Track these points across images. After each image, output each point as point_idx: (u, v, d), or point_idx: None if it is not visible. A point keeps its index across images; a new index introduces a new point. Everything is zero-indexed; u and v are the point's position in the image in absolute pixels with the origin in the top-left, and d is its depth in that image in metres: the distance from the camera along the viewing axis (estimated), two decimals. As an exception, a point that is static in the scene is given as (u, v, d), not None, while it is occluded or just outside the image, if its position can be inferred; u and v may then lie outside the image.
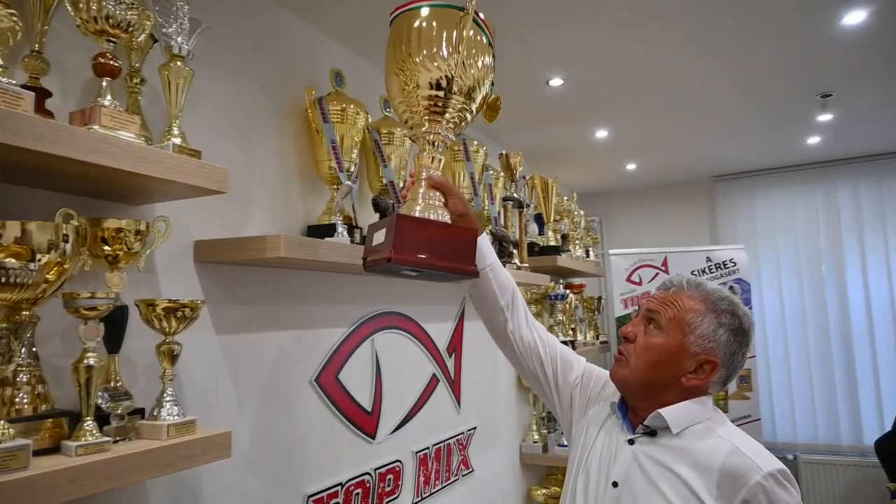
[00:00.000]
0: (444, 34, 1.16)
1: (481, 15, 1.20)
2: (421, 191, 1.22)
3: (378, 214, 1.79)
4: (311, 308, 1.73)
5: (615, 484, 1.22)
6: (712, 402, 1.26)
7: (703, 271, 4.03)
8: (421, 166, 1.23)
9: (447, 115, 1.21)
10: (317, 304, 1.75)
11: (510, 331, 1.44)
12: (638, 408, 1.25)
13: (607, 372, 1.39)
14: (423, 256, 1.12)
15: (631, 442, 1.23)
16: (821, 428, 4.35)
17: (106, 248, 1.11)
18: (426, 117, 1.21)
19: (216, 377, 1.41)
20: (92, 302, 0.93)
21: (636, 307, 3.95)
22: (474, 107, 1.24)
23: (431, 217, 1.19)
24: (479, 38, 1.20)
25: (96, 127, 0.94)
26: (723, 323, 1.20)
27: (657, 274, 4.02)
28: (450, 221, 1.22)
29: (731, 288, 4.04)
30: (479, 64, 1.21)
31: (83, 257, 1.03)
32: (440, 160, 1.25)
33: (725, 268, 4.04)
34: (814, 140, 3.75)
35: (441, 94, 1.17)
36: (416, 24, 1.17)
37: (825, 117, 3.18)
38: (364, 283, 1.94)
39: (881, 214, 4.28)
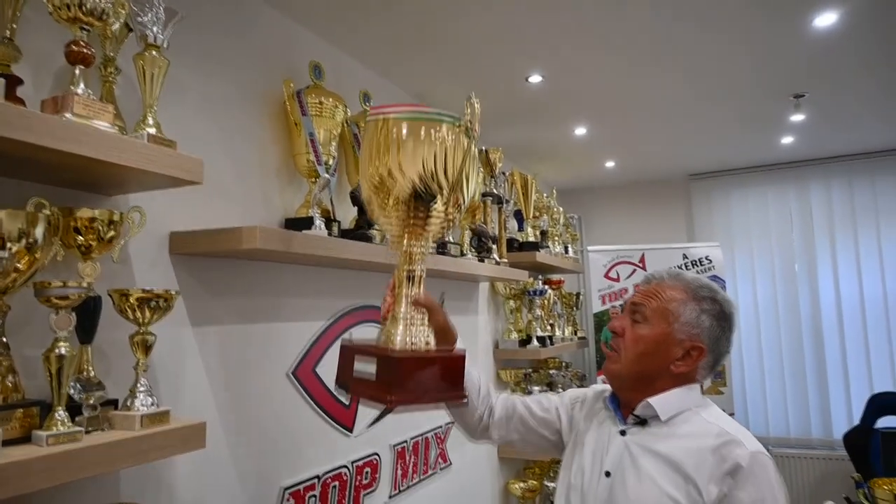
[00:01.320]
0: (434, 146, 1.05)
1: (477, 127, 1.15)
2: (402, 310, 1.12)
3: (356, 208, 1.80)
4: (289, 301, 1.72)
5: (608, 473, 1.25)
6: (700, 389, 1.31)
7: (680, 268, 4.09)
8: (400, 283, 1.13)
9: (430, 228, 1.11)
10: (294, 297, 1.74)
11: (491, 433, 1.48)
12: (630, 400, 1.29)
13: (584, 390, 1.49)
14: (422, 394, 1.07)
15: (623, 433, 1.27)
16: (792, 422, 4.44)
17: (79, 238, 1.09)
18: (406, 230, 1.11)
19: (191, 369, 1.41)
20: (63, 291, 0.92)
21: (618, 302, 4.00)
22: (459, 215, 1.16)
23: (418, 342, 1.11)
24: (470, 148, 1.12)
25: (69, 115, 0.93)
26: (704, 309, 1.25)
27: (635, 270, 4.07)
28: (434, 341, 1.16)
29: (706, 285, 4.11)
30: (470, 178, 1.12)
31: (55, 247, 1.02)
32: (422, 275, 1.14)
33: (701, 265, 4.10)
34: (787, 140, 3.82)
35: (425, 207, 1.08)
36: (401, 131, 1.05)
37: (798, 117, 3.24)
38: (342, 277, 1.94)
39: (852, 214, 4.37)
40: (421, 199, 1.07)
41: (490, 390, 1.48)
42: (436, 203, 1.08)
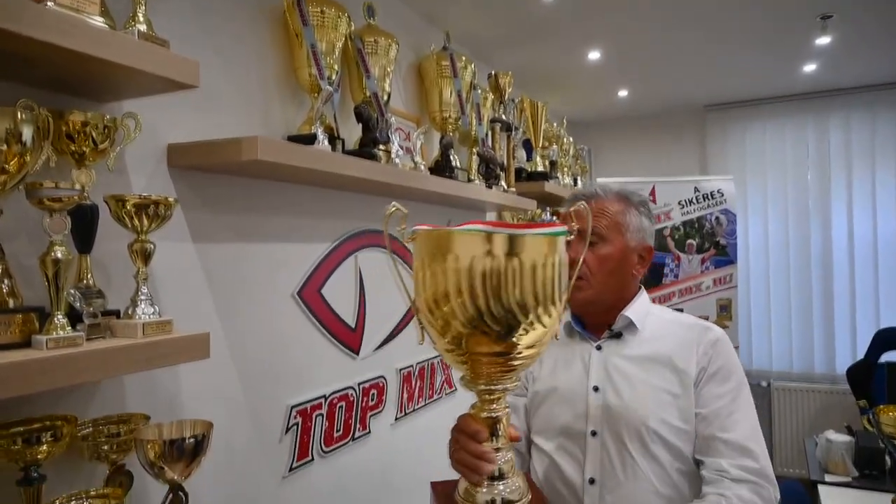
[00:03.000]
0: (531, 276, 0.88)
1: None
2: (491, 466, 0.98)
3: (360, 125, 1.74)
4: (292, 221, 1.69)
5: (596, 388, 1.26)
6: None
7: (691, 201, 4.02)
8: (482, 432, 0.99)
9: (518, 365, 0.97)
10: (297, 218, 1.71)
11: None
12: (604, 320, 1.35)
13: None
14: None
15: (599, 348, 1.33)
16: (796, 357, 4.47)
17: (72, 145, 1.06)
18: (489, 370, 0.96)
19: (194, 286, 1.39)
20: (55, 192, 0.89)
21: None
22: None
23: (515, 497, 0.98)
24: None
25: (51, 3, 0.87)
26: (642, 212, 1.36)
27: (644, 203, 4.00)
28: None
29: (716, 219, 4.05)
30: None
31: (46, 150, 0.98)
32: (508, 413, 1.01)
33: (713, 198, 4.03)
34: (810, 67, 3.67)
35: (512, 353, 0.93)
36: (486, 264, 0.87)
37: (823, 41, 3.09)
38: (346, 199, 1.90)
39: (871, 148, 4.25)
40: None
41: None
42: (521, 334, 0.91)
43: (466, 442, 0.99)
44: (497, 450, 0.98)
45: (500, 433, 1.00)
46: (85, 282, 1.04)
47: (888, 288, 4.21)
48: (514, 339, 0.91)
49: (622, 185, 1.42)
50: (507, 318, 0.88)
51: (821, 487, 2.48)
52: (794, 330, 4.46)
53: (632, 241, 1.32)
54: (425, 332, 1.00)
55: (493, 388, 0.98)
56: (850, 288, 4.31)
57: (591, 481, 1.25)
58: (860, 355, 3.99)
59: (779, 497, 1.19)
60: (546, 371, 1.40)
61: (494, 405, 0.99)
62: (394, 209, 0.97)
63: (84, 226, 1.04)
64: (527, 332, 0.90)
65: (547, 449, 1.33)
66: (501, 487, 0.97)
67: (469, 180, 2.39)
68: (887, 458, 2.56)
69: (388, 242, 0.96)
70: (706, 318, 3.98)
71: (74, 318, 0.99)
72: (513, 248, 0.87)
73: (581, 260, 1.13)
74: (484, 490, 0.97)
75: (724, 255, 4.03)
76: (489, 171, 2.57)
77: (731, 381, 1.25)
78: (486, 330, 0.89)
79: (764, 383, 4.47)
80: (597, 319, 1.36)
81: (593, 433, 1.26)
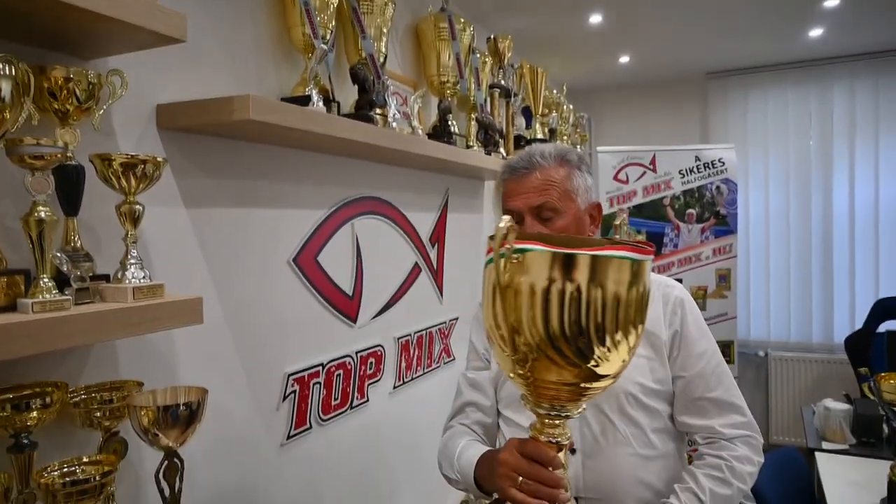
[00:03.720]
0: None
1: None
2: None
3: (356, 87, 1.69)
4: (286, 187, 1.65)
5: None
6: None
7: (691, 170, 3.97)
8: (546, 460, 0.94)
9: (591, 393, 0.90)
10: (292, 183, 1.67)
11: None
12: None
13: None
14: None
15: None
16: (794, 327, 4.48)
17: (54, 102, 1.01)
18: (556, 394, 0.89)
19: (187, 252, 1.35)
20: (37, 149, 0.85)
21: (626, 205, 3.91)
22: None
23: None
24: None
25: (25, -54, 0.82)
26: (583, 171, 1.30)
27: (644, 173, 3.96)
28: None
29: (717, 188, 4.01)
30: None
31: (27, 108, 0.94)
32: (571, 440, 0.96)
33: (713, 167, 3.98)
34: (816, 32, 3.60)
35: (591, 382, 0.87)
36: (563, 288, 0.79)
37: (832, 2, 3.02)
38: (342, 164, 1.86)
39: (875, 117, 4.20)
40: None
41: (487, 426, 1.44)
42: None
43: (539, 471, 0.93)
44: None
45: (562, 462, 0.94)
46: (72, 245, 1.01)
47: (888, 258, 4.20)
48: (589, 367, 0.83)
49: (556, 145, 1.35)
50: (580, 345, 0.80)
51: (818, 454, 2.49)
52: (793, 300, 4.46)
53: (582, 204, 1.27)
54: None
55: (552, 413, 0.90)
56: (850, 257, 4.29)
57: (572, 451, 1.24)
58: (858, 325, 4.00)
59: (762, 441, 1.27)
60: None
61: (556, 430, 0.92)
62: (509, 223, 0.80)
63: (69, 187, 1.00)
64: (601, 361, 0.82)
65: (521, 422, 1.31)
66: None
67: (468, 147, 2.34)
68: (884, 426, 2.58)
69: (497, 263, 0.81)
70: (705, 289, 4.01)
71: (62, 282, 0.96)
72: (595, 273, 0.78)
73: None
74: None
75: (724, 224, 4.00)
76: (488, 138, 2.52)
77: (704, 338, 1.27)
78: (555, 357, 0.81)
79: (761, 353, 4.48)
80: None
81: None
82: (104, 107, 1.08)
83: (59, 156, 0.88)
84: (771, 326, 4.53)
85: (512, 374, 0.90)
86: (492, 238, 0.81)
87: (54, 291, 0.89)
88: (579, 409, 0.92)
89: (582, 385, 0.86)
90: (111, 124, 1.20)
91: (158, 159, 1.01)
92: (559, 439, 0.93)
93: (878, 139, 4.19)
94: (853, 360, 3.65)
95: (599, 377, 0.85)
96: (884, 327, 3.69)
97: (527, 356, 0.83)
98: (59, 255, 0.95)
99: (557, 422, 0.92)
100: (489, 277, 0.84)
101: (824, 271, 4.36)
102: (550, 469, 0.93)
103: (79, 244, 1.02)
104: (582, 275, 0.78)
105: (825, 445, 2.58)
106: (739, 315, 4.17)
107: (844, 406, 2.67)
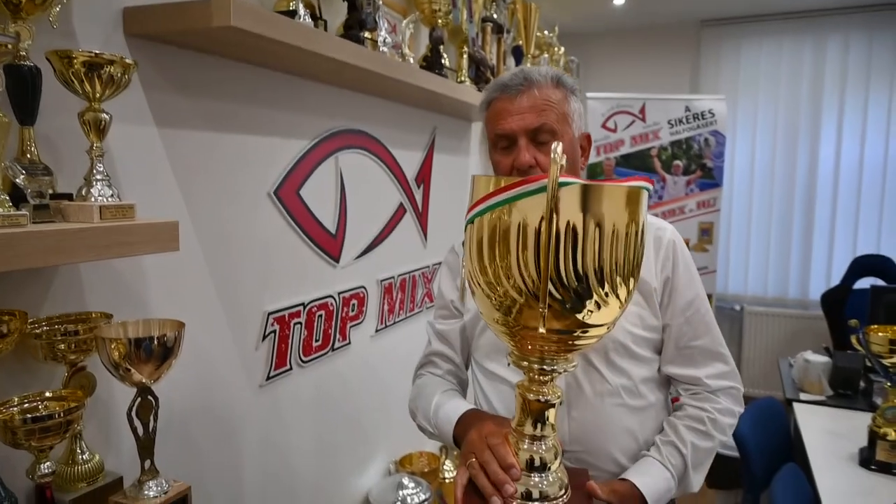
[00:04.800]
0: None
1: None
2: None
3: (346, 4, 1.55)
4: (268, 113, 1.52)
5: None
6: None
7: (681, 121, 3.90)
8: (522, 420, 0.91)
9: (582, 345, 0.86)
10: (273, 109, 1.54)
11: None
12: None
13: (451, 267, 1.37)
14: None
15: None
16: (771, 282, 4.52)
17: (4, -9, 0.87)
18: (545, 347, 0.85)
19: (157, 176, 1.23)
20: (-18, 36, 0.72)
21: (613, 154, 3.83)
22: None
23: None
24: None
25: None
26: (576, 96, 1.18)
27: (633, 121, 3.88)
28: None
29: (705, 140, 3.95)
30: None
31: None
32: (561, 398, 0.91)
33: (703, 118, 3.91)
34: (815, -20, 3.49)
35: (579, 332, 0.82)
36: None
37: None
38: (326, 93, 1.73)
39: (866, 72, 4.16)
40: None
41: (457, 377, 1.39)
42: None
43: (489, 463, 0.91)
44: (540, 438, 0.90)
45: (548, 420, 0.90)
46: (28, 156, 0.89)
47: (868, 215, 4.23)
48: (580, 316, 0.78)
49: (553, 69, 1.21)
50: (577, 289, 0.76)
51: (796, 405, 2.52)
52: (772, 255, 4.49)
53: (576, 131, 1.17)
54: (471, 292, 0.88)
55: (545, 368, 0.87)
56: (832, 215, 4.31)
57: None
58: (834, 282, 4.04)
59: (742, 390, 1.23)
60: None
61: (546, 388, 0.88)
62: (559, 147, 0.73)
63: (23, 89, 0.87)
64: (598, 307, 0.78)
65: (499, 372, 1.23)
66: (537, 479, 0.89)
67: (459, 82, 2.22)
68: (862, 381, 2.61)
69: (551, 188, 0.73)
70: (687, 242, 3.99)
71: (17, 199, 0.85)
72: (589, 203, 0.74)
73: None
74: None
75: (709, 177, 3.96)
76: (479, 75, 2.41)
77: (694, 283, 1.20)
78: (549, 301, 0.76)
79: (737, 307, 4.53)
80: None
81: None
82: (63, 0, 0.94)
83: (9, 47, 0.76)
84: (749, 281, 4.57)
85: (497, 325, 0.86)
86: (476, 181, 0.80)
87: (8, 205, 0.78)
88: (571, 365, 0.88)
89: (575, 333, 0.81)
90: (72, 28, 1.06)
91: (127, 61, 0.89)
92: (549, 398, 0.88)
93: (869, 94, 4.16)
94: (829, 315, 3.69)
95: (591, 326, 0.81)
96: (862, 284, 3.73)
97: (515, 302, 0.79)
98: (11, 165, 0.84)
99: (545, 378, 0.87)
100: (491, 222, 0.79)
101: (805, 227, 4.38)
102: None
103: (36, 157, 0.90)
104: (597, 209, 0.74)
105: (803, 397, 2.61)
106: (718, 270, 4.18)
107: (824, 359, 2.69)
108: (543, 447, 0.90)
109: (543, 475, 0.89)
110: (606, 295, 0.78)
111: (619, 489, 1.03)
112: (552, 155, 0.72)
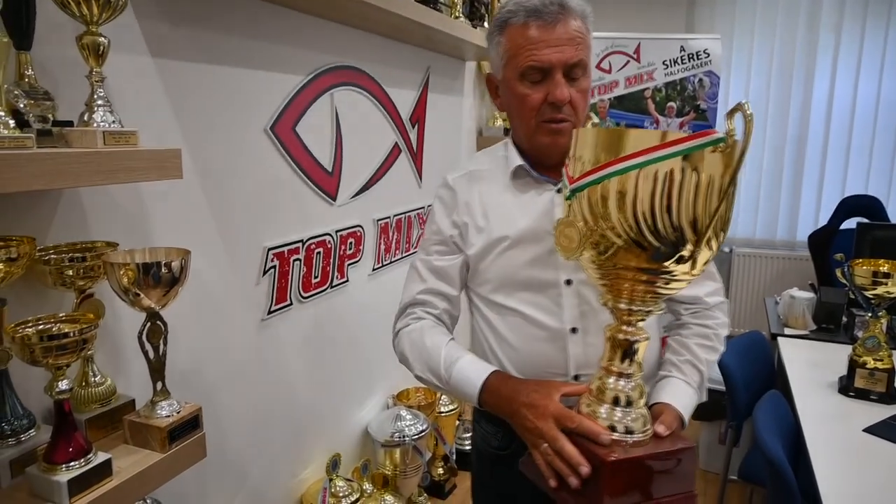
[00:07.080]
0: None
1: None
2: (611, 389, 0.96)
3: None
4: (263, 46, 1.51)
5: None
6: None
7: (675, 61, 3.85)
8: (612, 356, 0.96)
9: (669, 289, 0.91)
10: (269, 43, 1.52)
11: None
12: (560, 163, 1.07)
13: (445, 203, 1.34)
14: (640, 498, 0.91)
15: (559, 191, 1.14)
16: (759, 224, 4.57)
17: None
18: (633, 287, 0.91)
19: (155, 106, 1.23)
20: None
21: (607, 95, 3.81)
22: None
23: (642, 439, 0.93)
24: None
25: None
26: (591, 30, 1.13)
27: (628, 62, 3.82)
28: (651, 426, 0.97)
29: (699, 81, 3.91)
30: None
31: None
32: (648, 339, 0.96)
33: (698, 59, 3.86)
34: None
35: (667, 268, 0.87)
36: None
37: None
38: (320, 27, 1.71)
39: (863, 12, 4.10)
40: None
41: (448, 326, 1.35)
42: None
43: (564, 444, 0.94)
44: (627, 375, 0.95)
45: (635, 359, 0.96)
46: (28, 81, 0.89)
47: (859, 154, 4.26)
48: (672, 262, 0.85)
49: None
50: (673, 237, 0.82)
51: (780, 339, 2.60)
52: (762, 198, 4.53)
53: (592, 73, 1.15)
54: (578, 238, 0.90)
55: (633, 308, 0.93)
56: (822, 156, 4.33)
57: (574, 330, 1.18)
58: (822, 223, 4.10)
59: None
60: (496, 221, 1.22)
61: (632, 328, 0.95)
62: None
63: (15, 10, 0.86)
64: (690, 255, 0.84)
65: (511, 305, 1.21)
66: (620, 415, 0.94)
67: (454, 18, 2.18)
68: (844, 316, 2.69)
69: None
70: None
71: (20, 124, 0.85)
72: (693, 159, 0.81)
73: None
74: (603, 414, 0.94)
75: (703, 119, 3.94)
76: (473, 11, 2.37)
77: None
78: (645, 246, 0.83)
79: (726, 249, 4.59)
80: (555, 162, 1.14)
81: (567, 282, 1.16)
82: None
83: (4, -35, 0.75)
84: (738, 224, 4.61)
85: (589, 264, 0.92)
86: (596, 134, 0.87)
87: (13, 128, 0.78)
88: (660, 309, 0.94)
89: (664, 277, 0.88)
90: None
91: (123, -18, 0.88)
92: (633, 338, 0.94)
93: (864, 34, 4.12)
94: (815, 255, 3.76)
95: (681, 273, 0.87)
96: (849, 225, 3.78)
97: (613, 244, 0.85)
98: (14, 90, 0.83)
99: (632, 318, 0.94)
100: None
101: (795, 168, 4.41)
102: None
103: (35, 81, 0.90)
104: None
105: (787, 331, 2.69)
106: (709, 212, 4.21)
107: (809, 294, 2.76)
108: (630, 385, 0.95)
109: (628, 410, 0.95)
110: (697, 244, 0.83)
111: (667, 420, 1.03)
112: (743, 110, 0.79)
